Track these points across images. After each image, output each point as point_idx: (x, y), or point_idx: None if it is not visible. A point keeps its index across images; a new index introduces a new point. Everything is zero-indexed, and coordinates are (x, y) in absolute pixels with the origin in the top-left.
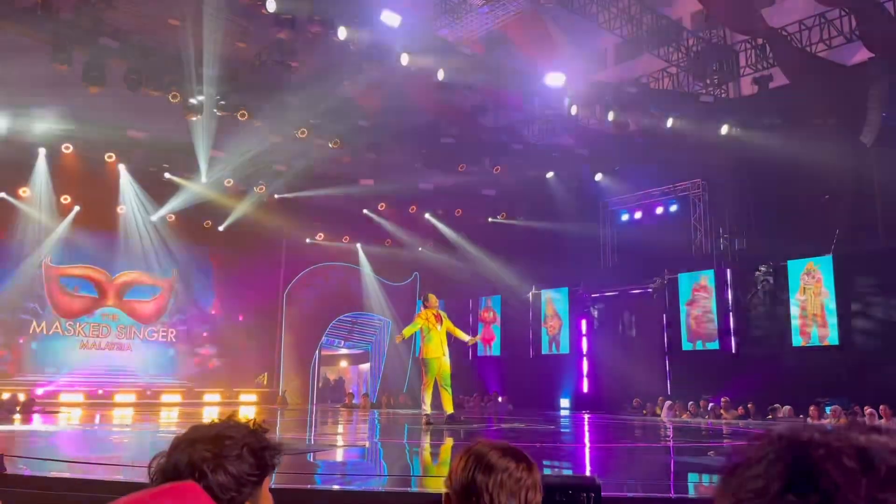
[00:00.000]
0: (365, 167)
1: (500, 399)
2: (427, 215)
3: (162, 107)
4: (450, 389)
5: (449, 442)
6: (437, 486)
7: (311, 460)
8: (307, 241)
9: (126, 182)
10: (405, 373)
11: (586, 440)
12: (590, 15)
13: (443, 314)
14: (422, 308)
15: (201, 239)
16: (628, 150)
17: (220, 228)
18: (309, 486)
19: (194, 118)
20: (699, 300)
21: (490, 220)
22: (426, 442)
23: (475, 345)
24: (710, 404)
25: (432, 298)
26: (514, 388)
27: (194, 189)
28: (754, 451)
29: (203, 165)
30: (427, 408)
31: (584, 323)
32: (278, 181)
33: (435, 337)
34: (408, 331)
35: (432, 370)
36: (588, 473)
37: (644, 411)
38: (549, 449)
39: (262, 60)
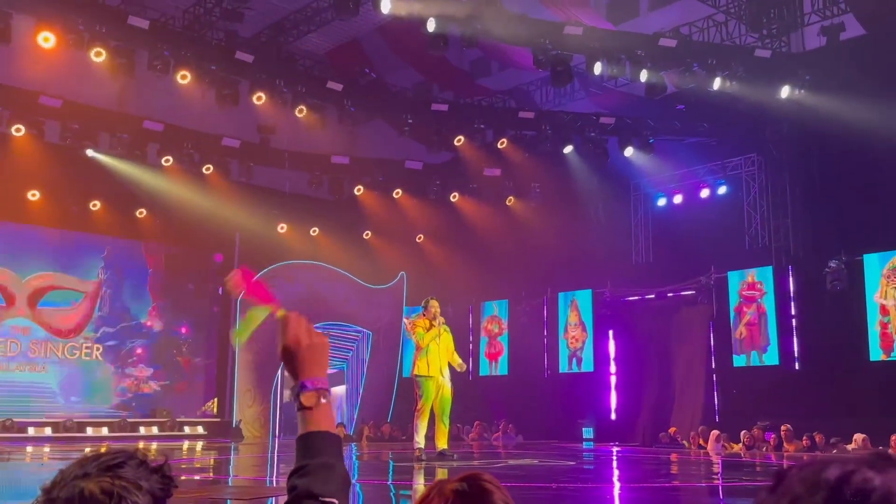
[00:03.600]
0: (338, 141)
1: (507, 429)
2: (415, 201)
3: (85, 64)
4: (447, 421)
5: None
6: None
7: None
8: (265, 233)
9: (37, 160)
10: (390, 397)
11: (615, 480)
12: None
13: (445, 328)
14: (419, 315)
15: (134, 232)
16: (666, 119)
17: (158, 220)
18: None
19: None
20: (754, 304)
21: (494, 206)
22: (418, 482)
23: (476, 362)
24: (768, 434)
25: (434, 305)
26: (524, 415)
27: (124, 169)
28: (795, 493)
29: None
30: (419, 439)
31: (611, 334)
32: (230, 160)
33: (433, 350)
34: (426, 336)
35: (428, 392)
36: None
37: (686, 443)
38: (568, 492)
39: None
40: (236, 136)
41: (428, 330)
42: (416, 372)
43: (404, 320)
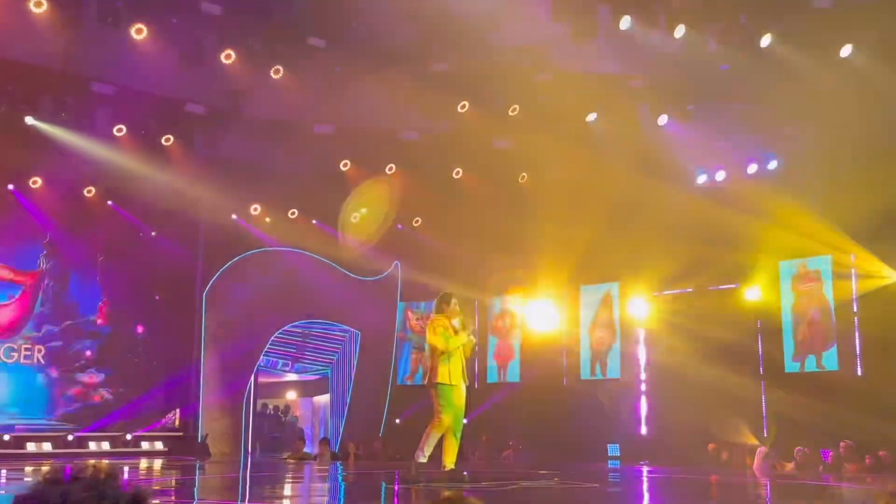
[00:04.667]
0: (322, 108)
1: (518, 446)
2: (411, 177)
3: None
4: (459, 436)
5: None
6: None
7: None
8: (235, 216)
9: None
10: (382, 408)
11: None
12: None
13: (465, 328)
14: (434, 314)
15: (82, 215)
16: (707, 81)
17: (110, 202)
18: None
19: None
20: (810, 298)
21: (506, 185)
22: None
23: (482, 368)
24: (825, 452)
25: (453, 303)
26: (539, 429)
27: (70, 140)
28: None
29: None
30: (424, 455)
31: (642, 333)
32: (194, 129)
33: (456, 355)
34: (452, 341)
35: (451, 404)
36: None
37: (728, 460)
38: None
39: None
40: (201, 101)
41: (457, 333)
42: (438, 380)
43: (408, 314)
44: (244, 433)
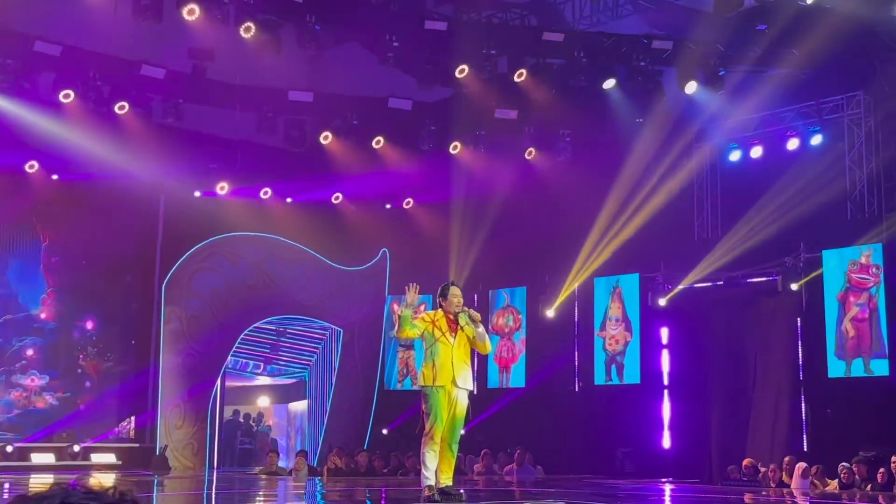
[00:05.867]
0: (298, 71)
1: (523, 459)
2: (402, 152)
3: None
4: (456, 449)
5: None
6: None
7: None
8: (197, 194)
9: None
10: (368, 416)
11: None
12: None
13: (466, 318)
14: (436, 306)
15: (23, 193)
16: (741, 43)
17: (56, 178)
18: None
19: None
20: (858, 293)
21: (508, 160)
22: None
23: (482, 370)
24: (874, 467)
25: (455, 293)
26: (546, 441)
27: (8, 108)
28: None
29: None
30: (429, 474)
31: (665, 333)
32: (152, 96)
33: (444, 353)
34: (406, 331)
35: (439, 408)
36: None
37: (763, 478)
38: None
39: None
40: (160, 63)
41: (446, 328)
42: (421, 382)
43: (394, 308)
44: (209, 444)
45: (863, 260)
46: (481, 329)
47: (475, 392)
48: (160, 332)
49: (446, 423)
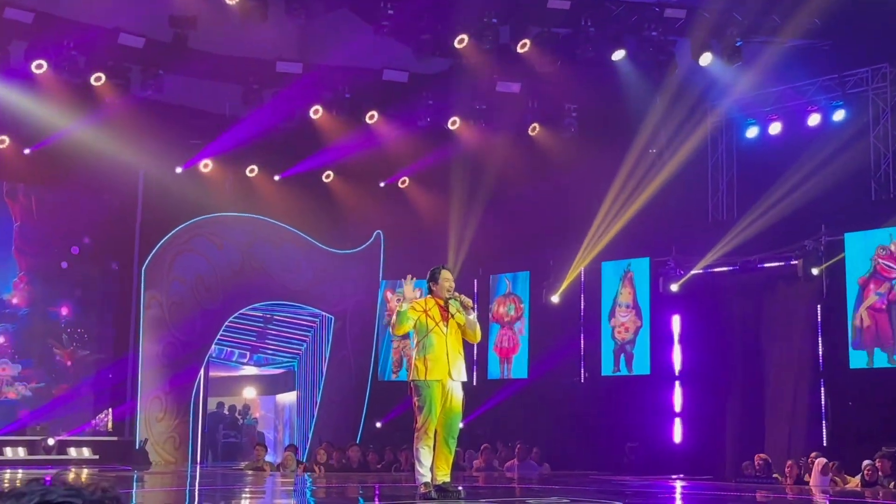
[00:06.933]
0: (286, 41)
1: (526, 455)
2: (397, 127)
3: None
4: (454, 443)
5: None
6: None
7: None
8: (179, 171)
9: None
10: (360, 409)
11: None
12: None
13: (457, 305)
14: (424, 297)
15: None
16: (760, 12)
17: (28, 151)
18: None
19: None
20: (880, 282)
21: (510, 136)
22: None
23: (481, 365)
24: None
25: (446, 277)
26: (550, 435)
27: None
28: None
29: None
30: (424, 471)
31: (677, 320)
32: (130, 66)
33: (438, 343)
34: (400, 327)
35: (433, 402)
36: None
37: (778, 475)
38: None
39: None
40: (139, 32)
41: (438, 318)
42: (413, 376)
43: (387, 295)
44: (192, 438)
45: (893, 247)
46: (473, 316)
47: (474, 384)
48: (139, 319)
49: (441, 417)
